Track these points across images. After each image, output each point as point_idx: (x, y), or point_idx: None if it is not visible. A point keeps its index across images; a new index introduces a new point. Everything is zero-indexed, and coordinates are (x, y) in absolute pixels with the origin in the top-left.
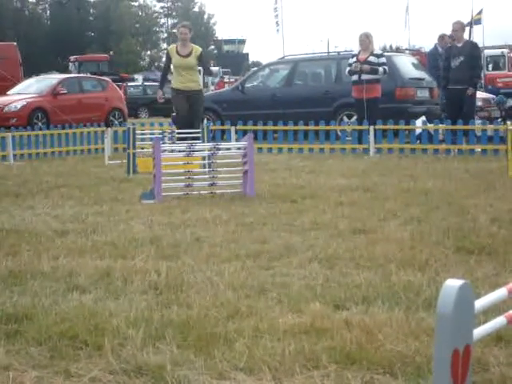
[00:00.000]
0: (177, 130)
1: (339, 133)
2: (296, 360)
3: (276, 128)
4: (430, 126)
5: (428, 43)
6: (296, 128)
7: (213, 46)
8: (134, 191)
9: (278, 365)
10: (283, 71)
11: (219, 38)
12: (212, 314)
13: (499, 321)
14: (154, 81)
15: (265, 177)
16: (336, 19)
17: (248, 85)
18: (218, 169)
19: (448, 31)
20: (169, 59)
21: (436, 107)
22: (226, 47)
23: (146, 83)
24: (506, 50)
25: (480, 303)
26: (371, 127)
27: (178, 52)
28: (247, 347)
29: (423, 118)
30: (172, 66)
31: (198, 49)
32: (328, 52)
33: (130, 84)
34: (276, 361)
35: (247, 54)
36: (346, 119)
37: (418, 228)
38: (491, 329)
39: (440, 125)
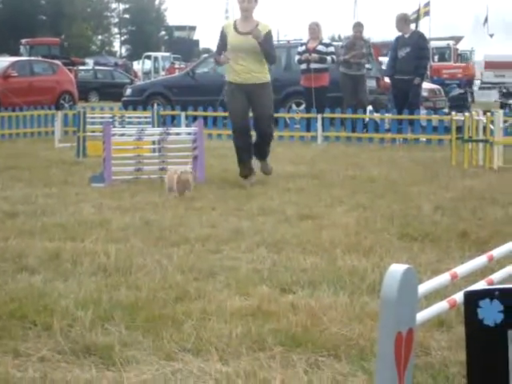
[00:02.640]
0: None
1: (288, 120)
2: (243, 342)
3: (226, 114)
4: (377, 116)
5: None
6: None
7: (163, 32)
8: (83, 174)
9: (224, 346)
10: None
11: (170, 25)
12: (160, 296)
13: (441, 305)
14: (104, 65)
15: (214, 162)
16: (286, 8)
17: (199, 71)
18: (168, 153)
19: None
20: (223, 39)
21: (383, 97)
22: (176, 33)
23: (96, 67)
24: (451, 42)
25: (423, 288)
26: (319, 115)
27: (236, 28)
28: (195, 329)
29: (370, 107)
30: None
31: (265, 26)
32: (278, 40)
33: (80, 68)
34: (223, 342)
35: (198, 41)
36: (294, 107)
37: (363, 214)
38: (434, 313)
39: (386, 114)
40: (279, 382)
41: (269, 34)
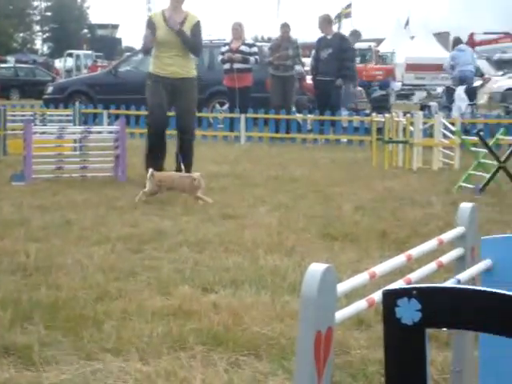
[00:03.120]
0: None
1: (211, 120)
2: (163, 341)
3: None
4: (299, 116)
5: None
6: (169, 114)
7: (86, 30)
8: (3, 173)
9: (145, 346)
10: None
11: (92, 23)
12: (81, 295)
13: (360, 304)
14: (25, 63)
15: (137, 162)
16: (209, 7)
17: (121, 69)
18: (90, 152)
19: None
20: (152, 29)
21: (304, 97)
22: (99, 31)
23: (17, 65)
24: (372, 44)
25: (342, 287)
26: (242, 115)
27: (165, 20)
28: (115, 329)
29: (292, 108)
30: (155, 42)
31: (194, 17)
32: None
33: (1, 65)
34: (143, 342)
35: (120, 39)
36: (218, 107)
37: (285, 214)
38: (353, 312)
39: (308, 115)
40: (200, 382)
41: (197, 26)
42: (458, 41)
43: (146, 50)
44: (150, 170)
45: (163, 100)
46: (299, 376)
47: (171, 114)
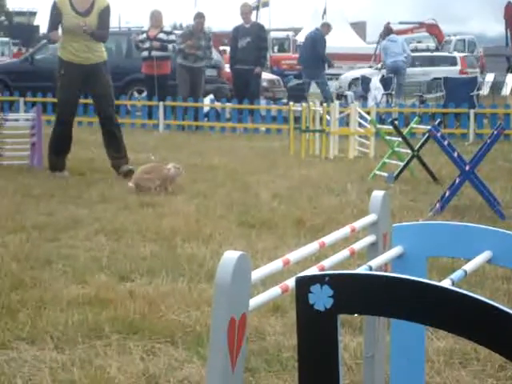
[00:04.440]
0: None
1: (129, 108)
2: (79, 330)
3: None
4: (218, 105)
5: (216, 23)
6: (86, 101)
7: (3, 18)
8: None
9: (60, 335)
10: None
11: (10, 10)
12: None
13: (274, 291)
14: None
15: None
16: None
17: (38, 56)
18: (5, 140)
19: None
20: (57, 16)
21: (224, 86)
22: (16, 18)
23: None
24: (291, 33)
25: (256, 274)
26: (161, 103)
27: (72, 6)
28: (30, 318)
29: (211, 96)
30: (61, 28)
31: (103, 1)
32: (119, 27)
33: None
34: (59, 331)
35: (38, 26)
36: (136, 94)
37: (203, 202)
38: (267, 298)
39: (227, 103)
40: (115, 370)
41: (106, 10)
42: (389, 31)
43: (53, 42)
44: None
45: (76, 91)
46: (213, 362)
47: (89, 101)
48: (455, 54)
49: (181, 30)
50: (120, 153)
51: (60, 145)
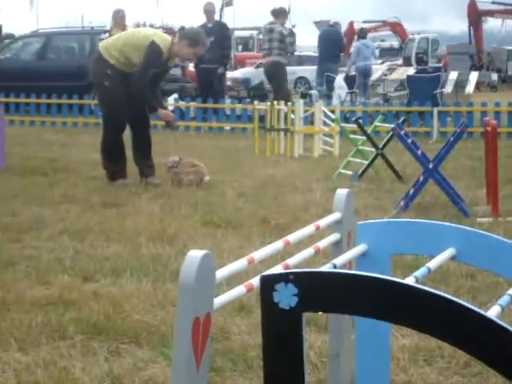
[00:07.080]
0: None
1: (93, 107)
2: (42, 331)
3: (29, 101)
4: (182, 104)
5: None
6: (49, 101)
7: None
8: None
9: (24, 336)
10: (37, 44)
11: None
12: None
13: (239, 290)
14: None
15: (16, 150)
16: None
17: (1, 56)
18: None
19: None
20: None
21: (188, 85)
22: None
23: None
24: (255, 32)
25: (221, 273)
26: None
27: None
28: None
29: (175, 95)
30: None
31: None
32: (82, 27)
33: None
34: (22, 332)
35: (1, 26)
36: None
37: (168, 202)
38: (231, 297)
39: (191, 103)
40: (79, 371)
41: None
42: (363, 34)
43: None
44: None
45: (123, 90)
46: (177, 362)
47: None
48: None
49: None
50: (150, 160)
51: (121, 152)
